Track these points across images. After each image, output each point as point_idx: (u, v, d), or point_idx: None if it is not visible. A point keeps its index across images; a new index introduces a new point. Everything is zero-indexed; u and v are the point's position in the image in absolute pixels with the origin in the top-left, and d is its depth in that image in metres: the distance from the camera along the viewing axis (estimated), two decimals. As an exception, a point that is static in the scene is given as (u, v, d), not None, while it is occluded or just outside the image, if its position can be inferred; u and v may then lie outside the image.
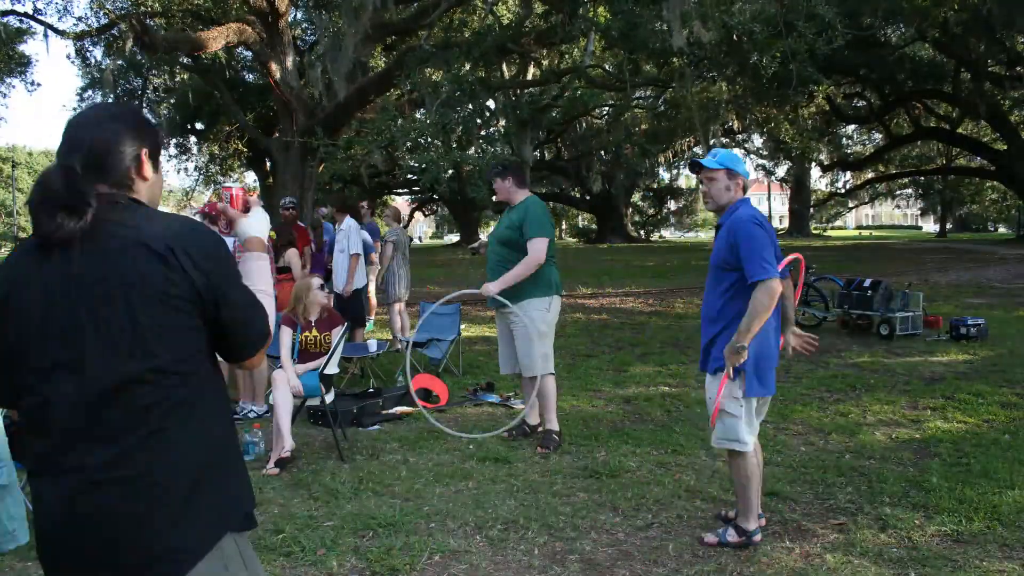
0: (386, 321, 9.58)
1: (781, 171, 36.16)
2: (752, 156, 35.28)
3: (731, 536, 3.35)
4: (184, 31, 20.04)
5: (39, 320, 1.43)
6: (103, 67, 22.39)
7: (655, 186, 41.22)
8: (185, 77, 24.12)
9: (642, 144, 24.18)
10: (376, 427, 5.48)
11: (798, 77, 13.58)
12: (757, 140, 33.39)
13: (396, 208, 9.07)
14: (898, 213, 73.45)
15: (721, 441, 3.34)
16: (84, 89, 26.73)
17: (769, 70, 13.69)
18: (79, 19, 29.19)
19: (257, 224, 2.00)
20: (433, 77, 16.75)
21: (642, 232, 41.15)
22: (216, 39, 17.72)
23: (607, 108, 26.17)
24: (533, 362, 4.81)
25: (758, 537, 3.35)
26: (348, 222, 7.70)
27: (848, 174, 40.38)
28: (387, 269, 8.20)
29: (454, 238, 48.41)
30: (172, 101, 25.96)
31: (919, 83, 22.54)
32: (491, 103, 19.13)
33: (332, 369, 5.06)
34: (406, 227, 9.73)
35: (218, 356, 1.57)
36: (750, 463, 3.33)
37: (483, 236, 16.48)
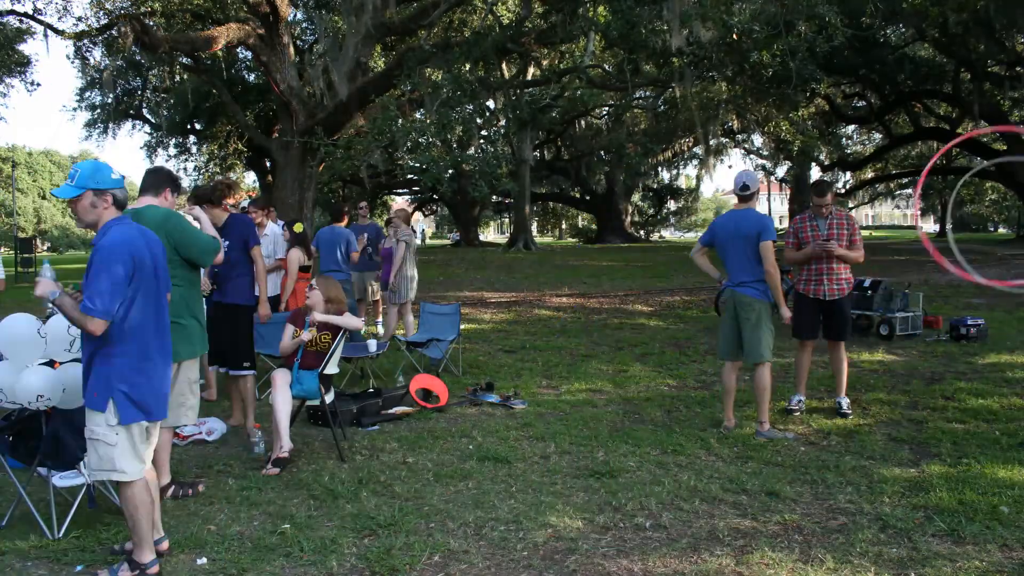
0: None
1: (781, 171, 36.09)
2: (752, 156, 35.25)
3: (124, 571, 3.15)
4: (184, 31, 20.06)
5: None
6: (103, 67, 22.38)
7: (655, 186, 41.19)
8: (184, 77, 24.12)
9: (645, 143, 24.22)
10: (376, 427, 5.48)
11: (797, 76, 13.59)
12: (757, 140, 33.33)
13: (405, 209, 8.98)
14: (898, 213, 73.41)
15: (97, 473, 3.15)
16: (84, 89, 26.75)
17: (769, 70, 13.71)
18: (79, 19, 29.23)
19: None
20: (433, 77, 16.76)
21: (642, 232, 41.11)
22: (216, 39, 17.74)
23: (607, 108, 26.16)
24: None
25: (154, 569, 3.16)
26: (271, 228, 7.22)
27: (848, 174, 40.31)
28: (399, 271, 8.18)
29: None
30: (172, 101, 25.95)
31: (919, 83, 22.52)
32: (491, 103, 19.13)
33: (332, 369, 5.06)
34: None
35: None
36: (137, 493, 3.14)
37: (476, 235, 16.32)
